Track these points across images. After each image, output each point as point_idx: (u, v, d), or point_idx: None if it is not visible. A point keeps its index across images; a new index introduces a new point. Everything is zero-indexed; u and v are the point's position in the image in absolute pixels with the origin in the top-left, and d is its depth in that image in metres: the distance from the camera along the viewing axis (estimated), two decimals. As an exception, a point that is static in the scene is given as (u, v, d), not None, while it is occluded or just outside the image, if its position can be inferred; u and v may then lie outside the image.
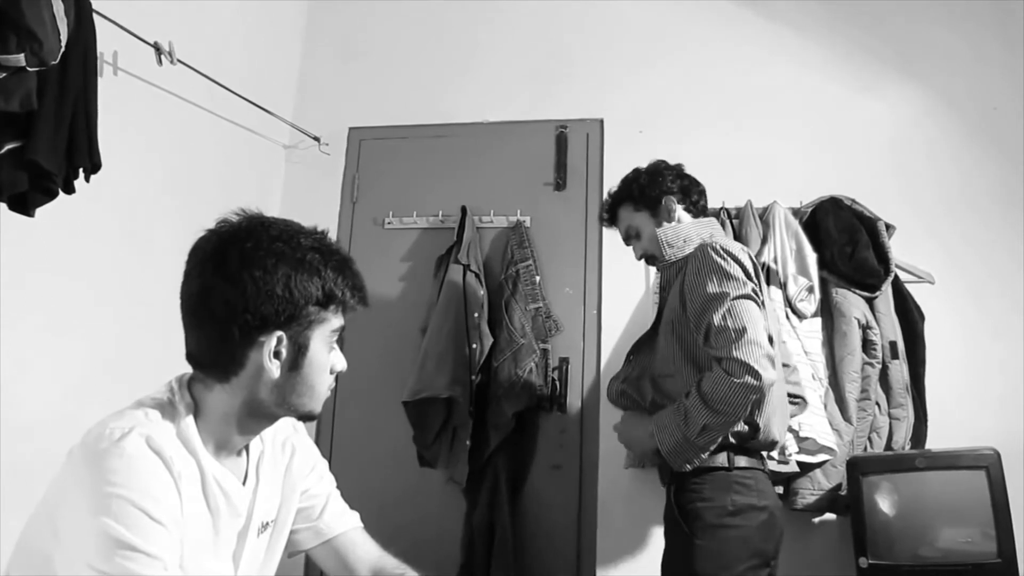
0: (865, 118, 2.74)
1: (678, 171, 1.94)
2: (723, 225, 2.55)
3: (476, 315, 2.60)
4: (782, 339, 1.93)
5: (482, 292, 2.64)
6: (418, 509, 2.65)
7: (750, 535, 1.65)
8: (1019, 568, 1.99)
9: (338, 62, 3.17)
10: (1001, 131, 2.64)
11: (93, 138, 1.70)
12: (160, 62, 2.15)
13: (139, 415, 0.98)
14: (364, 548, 1.26)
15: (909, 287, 2.49)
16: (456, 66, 3.07)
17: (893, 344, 2.38)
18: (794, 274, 2.42)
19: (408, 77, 3.08)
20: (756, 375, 1.57)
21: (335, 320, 1.05)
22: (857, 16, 2.82)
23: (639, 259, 1.97)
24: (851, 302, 2.41)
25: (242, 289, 0.97)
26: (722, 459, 1.69)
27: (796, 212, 2.57)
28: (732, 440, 1.70)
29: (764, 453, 1.79)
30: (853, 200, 2.54)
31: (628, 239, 1.98)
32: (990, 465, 2.04)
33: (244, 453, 1.11)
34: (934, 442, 2.34)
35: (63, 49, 1.56)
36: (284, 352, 1.01)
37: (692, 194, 1.93)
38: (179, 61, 2.20)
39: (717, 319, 1.64)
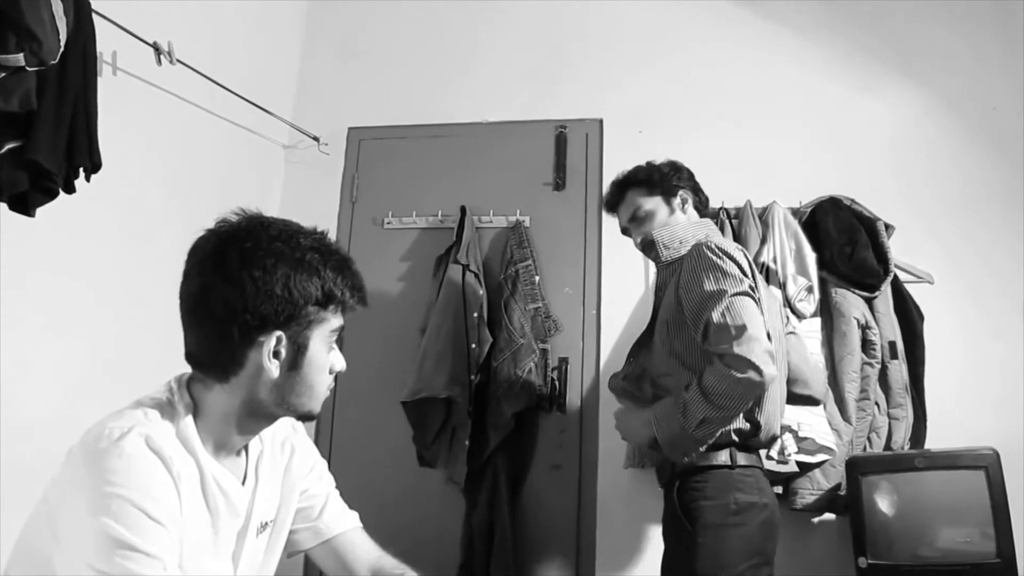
0: (865, 118, 2.74)
1: (691, 172, 2.00)
2: (722, 225, 2.56)
3: (475, 315, 2.60)
4: (786, 333, 1.93)
5: (481, 292, 2.64)
6: (418, 509, 2.65)
7: (752, 534, 1.65)
8: (1018, 568, 1.99)
9: (338, 62, 3.17)
10: (1001, 131, 2.64)
11: (93, 138, 1.70)
12: (159, 62, 2.15)
13: (138, 415, 0.98)
14: (363, 548, 1.26)
15: (908, 287, 2.49)
16: (456, 66, 3.07)
17: (892, 344, 2.38)
18: (793, 274, 2.42)
19: (408, 77, 3.08)
20: (759, 371, 1.57)
21: (334, 320, 1.05)
22: (857, 16, 2.82)
23: (638, 246, 1.96)
24: (850, 302, 2.41)
25: (241, 289, 0.97)
26: (724, 457, 1.69)
27: (795, 212, 2.57)
28: (734, 438, 1.70)
29: (761, 452, 1.80)
30: (852, 200, 2.54)
31: (631, 221, 1.95)
32: (989, 465, 2.04)
33: (243, 453, 1.11)
34: (933, 442, 2.34)
35: (62, 49, 1.55)
36: (283, 352, 1.01)
37: (700, 194, 1.99)
38: (178, 61, 2.20)
39: (716, 316, 1.64)
